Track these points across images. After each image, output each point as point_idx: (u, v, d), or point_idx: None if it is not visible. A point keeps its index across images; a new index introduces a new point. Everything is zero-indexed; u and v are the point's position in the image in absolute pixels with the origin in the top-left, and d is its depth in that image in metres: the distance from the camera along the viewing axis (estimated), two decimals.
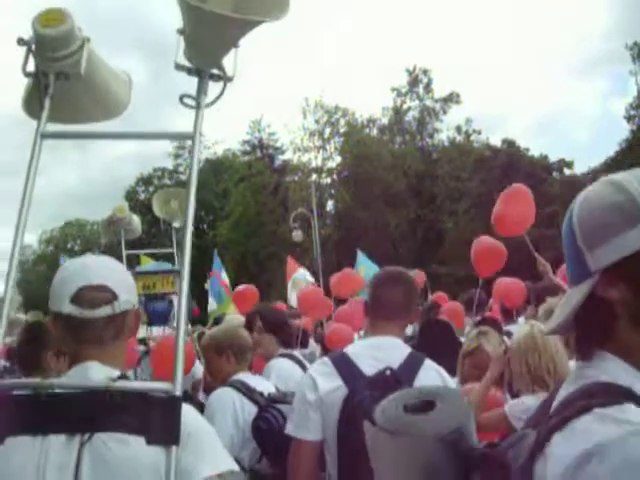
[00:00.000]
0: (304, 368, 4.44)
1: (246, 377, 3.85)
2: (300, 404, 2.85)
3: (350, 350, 2.93)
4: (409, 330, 7.35)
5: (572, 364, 3.12)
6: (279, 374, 4.28)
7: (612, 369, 1.23)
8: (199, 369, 6.53)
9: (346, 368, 2.81)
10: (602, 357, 1.26)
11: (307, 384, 2.87)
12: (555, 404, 1.28)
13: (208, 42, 2.27)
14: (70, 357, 1.97)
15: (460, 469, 1.25)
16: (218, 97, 2.33)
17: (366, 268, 12.43)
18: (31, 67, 2.26)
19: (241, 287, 9.72)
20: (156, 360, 5.65)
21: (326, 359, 2.95)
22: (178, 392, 1.80)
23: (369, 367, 2.77)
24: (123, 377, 1.88)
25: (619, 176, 1.28)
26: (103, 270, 1.98)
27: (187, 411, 1.84)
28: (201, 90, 2.30)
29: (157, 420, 1.76)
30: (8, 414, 1.79)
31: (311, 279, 11.88)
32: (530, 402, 3.26)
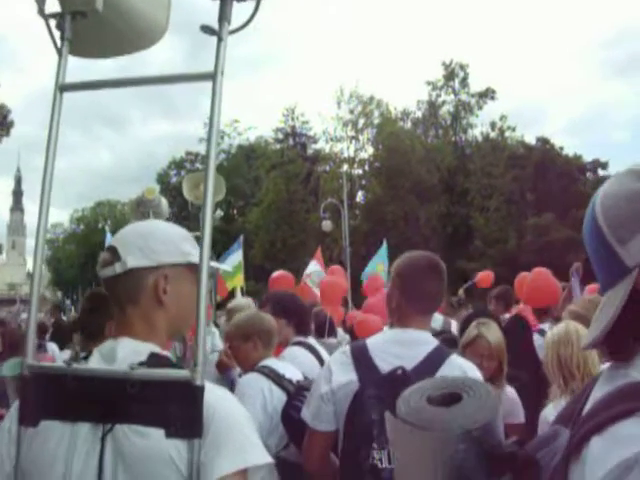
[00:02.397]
0: (319, 357, 4.39)
1: (274, 363, 3.84)
2: (315, 395, 2.84)
3: (371, 342, 2.85)
4: (438, 324, 7.31)
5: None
6: (292, 363, 4.21)
7: None
8: None
9: (363, 362, 2.75)
10: None
11: (323, 375, 2.86)
12: (591, 404, 1.19)
13: None
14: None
15: (486, 466, 1.20)
16: (249, 20, 1.97)
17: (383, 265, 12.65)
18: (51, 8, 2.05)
19: (277, 273, 9.77)
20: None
21: (347, 349, 2.89)
22: (199, 381, 1.69)
23: (386, 364, 2.70)
24: (155, 356, 1.81)
25: (636, 165, 1.22)
26: (126, 233, 1.98)
27: (214, 397, 1.74)
28: (223, 15, 1.91)
29: (177, 412, 1.67)
30: (40, 396, 1.78)
31: (316, 279, 11.89)
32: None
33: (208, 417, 1.68)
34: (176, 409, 1.67)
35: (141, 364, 1.75)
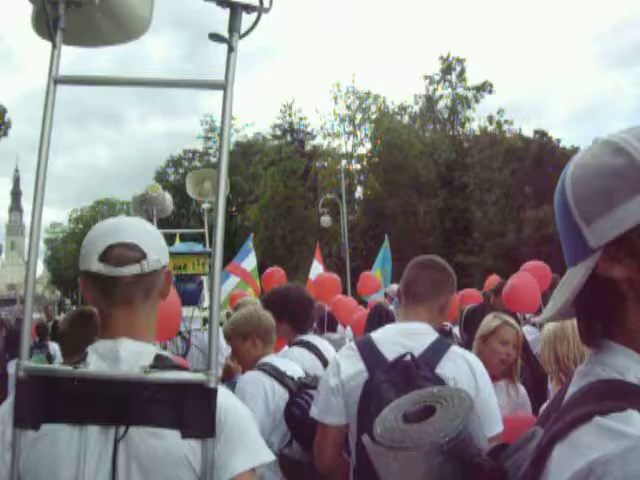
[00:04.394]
0: (319, 354, 4.31)
1: (275, 360, 3.83)
2: (323, 389, 2.89)
3: (376, 335, 2.92)
4: None
5: None
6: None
7: (620, 363, 1.08)
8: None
9: (369, 353, 2.81)
10: (609, 348, 1.11)
11: (332, 369, 2.91)
12: (563, 403, 1.13)
13: None
14: (101, 319, 1.91)
15: (466, 477, 1.19)
16: (251, 28, 2.01)
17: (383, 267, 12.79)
18: None
19: (269, 270, 9.83)
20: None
21: (352, 343, 2.97)
22: (213, 384, 1.76)
23: (392, 353, 2.75)
24: (161, 359, 1.84)
25: (615, 136, 1.10)
26: (134, 229, 1.91)
27: (225, 399, 1.80)
28: (234, 26, 1.96)
29: (192, 413, 1.72)
30: (41, 399, 1.74)
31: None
32: None
33: (220, 419, 1.75)
34: (191, 410, 1.73)
35: (152, 367, 1.77)
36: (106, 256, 1.83)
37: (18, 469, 1.70)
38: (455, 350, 2.85)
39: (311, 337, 4.61)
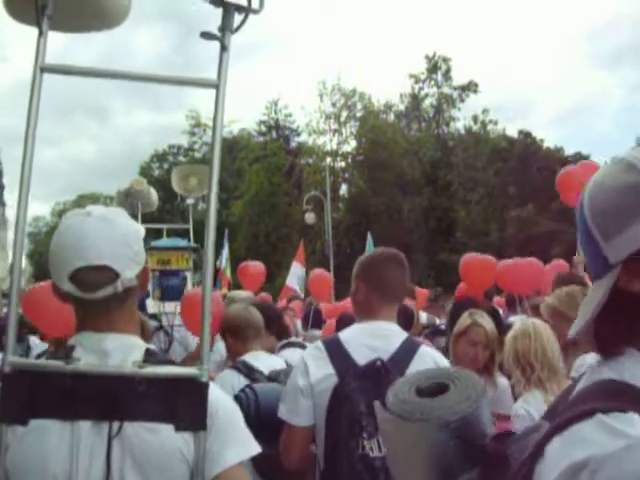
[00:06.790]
0: None
1: (250, 357, 3.81)
2: (291, 389, 2.85)
3: (344, 336, 2.90)
4: (423, 318, 7.36)
5: (588, 358, 3.21)
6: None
7: (631, 367, 1.10)
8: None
9: (338, 356, 2.77)
10: (625, 353, 1.13)
11: (299, 369, 2.85)
12: (571, 398, 1.17)
13: None
14: (77, 317, 1.87)
15: (467, 457, 1.21)
16: (238, 27, 1.99)
17: None
18: None
19: (248, 264, 9.78)
20: (185, 316, 5.67)
21: (320, 344, 2.93)
22: (205, 378, 1.78)
23: (362, 356, 2.74)
24: (151, 353, 1.84)
25: (628, 154, 1.14)
26: (101, 243, 1.79)
27: (215, 394, 1.83)
28: (226, 26, 1.96)
29: (185, 407, 1.74)
30: (28, 395, 1.72)
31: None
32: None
33: (212, 413, 1.77)
34: (184, 404, 1.75)
35: (144, 361, 1.78)
36: (76, 278, 1.78)
37: (5, 464, 1.69)
38: (424, 350, 2.87)
39: (293, 339, 4.79)
